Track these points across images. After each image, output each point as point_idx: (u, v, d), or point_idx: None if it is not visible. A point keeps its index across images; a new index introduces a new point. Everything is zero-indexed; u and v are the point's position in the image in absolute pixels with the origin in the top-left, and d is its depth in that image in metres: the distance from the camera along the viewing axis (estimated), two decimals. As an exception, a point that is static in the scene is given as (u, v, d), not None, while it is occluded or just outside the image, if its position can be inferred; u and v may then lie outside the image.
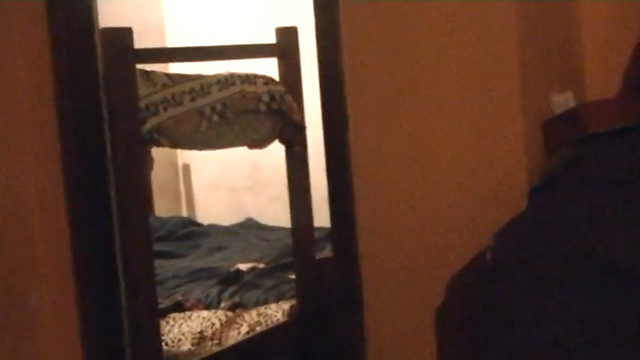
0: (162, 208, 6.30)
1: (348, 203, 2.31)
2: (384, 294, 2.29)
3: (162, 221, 5.91)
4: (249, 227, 5.82)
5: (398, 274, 2.26)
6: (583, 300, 1.67)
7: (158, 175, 6.02)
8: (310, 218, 3.71)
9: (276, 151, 3.86)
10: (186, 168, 6.63)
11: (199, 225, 6.01)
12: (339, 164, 2.37)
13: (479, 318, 1.83)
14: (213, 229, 5.81)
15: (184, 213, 6.51)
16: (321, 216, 3.85)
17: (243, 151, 5.69)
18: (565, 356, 1.66)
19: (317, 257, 3.80)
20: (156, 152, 4.52)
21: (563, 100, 2.10)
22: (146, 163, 3.78)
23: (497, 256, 1.77)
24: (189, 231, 5.76)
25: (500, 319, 1.75)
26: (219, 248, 5.35)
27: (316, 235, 3.92)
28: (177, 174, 6.62)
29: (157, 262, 3.76)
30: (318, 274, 3.70)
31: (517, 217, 1.86)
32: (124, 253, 2.78)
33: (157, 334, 2.95)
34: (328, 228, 4.77)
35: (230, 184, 6.26)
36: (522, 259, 1.75)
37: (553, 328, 1.69)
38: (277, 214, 5.71)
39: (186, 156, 6.58)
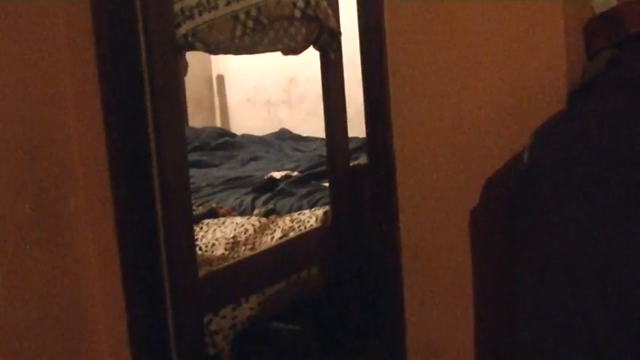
0: (196, 119, 6.32)
1: (384, 109, 2.28)
2: (418, 198, 2.27)
3: (197, 132, 5.94)
4: (283, 138, 5.82)
5: (433, 178, 2.24)
6: (618, 203, 1.66)
7: (192, 87, 6.02)
8: (344, 125, 3.72)
9: (313, 66, 3.84)
10: (221, 79, 6.61)
11: (233, 136, 6.02)
12: (375, 69, 2.34)
13: (514, 220, 1.82)
14: (247, 140, 5.83)
15: (218, 124, 6.52)
16: (354, 127, 3.86)
17: (279, 64, 5.71)
18: (601, 259, 1.66)
19: (351, 165, 3.82)
20: (190, 63, 4.51)
21: (604, 0, 2.04)
22: (181, 68, 3.77)
23: (534, 156, 1.75)
24: (223, 141, 5.78)
25: (535, 220, 1.74)
26: (253, 158, 5.37)
27: (350, 145, 3.93)
28: (211, 86, 6.61)
29: (191, 171, 3.78)
30: (352, 181, 3.72)
31: (555, 117, 1.83)
32: (159, 159, 2.79)
33: (191, 238, 2.97)
34: (361, 138, 4.83)
35: (265, 98, 6.25)
36: (559, 160, 1.73)
37: (588, 232, 1.68)
38: (312, 127, 5.71)
39: (220, 67, 6.56)
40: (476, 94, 2.10)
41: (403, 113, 2.25)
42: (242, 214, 4.07)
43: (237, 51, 3.38)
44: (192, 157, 5.11)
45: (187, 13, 3.01)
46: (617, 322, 1.63)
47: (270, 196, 4.18)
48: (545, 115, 1.88)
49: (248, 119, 6.37)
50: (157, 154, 2.78)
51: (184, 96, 5.46)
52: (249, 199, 4.20)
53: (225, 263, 3.37)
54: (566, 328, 1.69)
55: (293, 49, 3.60)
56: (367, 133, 2.40)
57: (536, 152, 1.75)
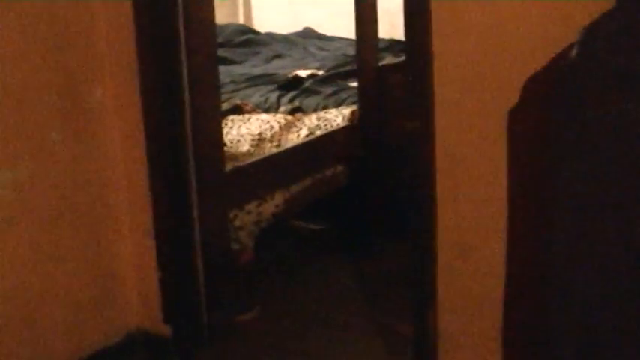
0: (218, 15, 6.20)
1: (424, 5, 2.21)
2: (456, 96, 2.22)
3: (220, 28, 5.82)
4: (308, 37, 5.73)
5: (472, 77, 2.18)
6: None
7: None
8: (375, 24, 3.65)
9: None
10: (244, -25, 6.49)
11: (257, 33, 5.92)
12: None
13: (557, 119, 1.77)
14: (271, 38, 5.73)
15: (241, 20, 6.42)
16: (381, 27, 3.78)
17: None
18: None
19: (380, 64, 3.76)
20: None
21: None
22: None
23: (583, 52, 1.69)
24: (246, 38, 5.69)
25: (580, 115, 1.69)
26: (277, 56, 5.28)
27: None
28: (234, -19, 6.49)
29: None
30: (380, 81, 3.67)
31: (606, 14, 1.76)
32: (188, 49, 2.74)
33: (218, 132, 2.94)
34: (387, 39, 4.75)
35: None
36: (609, 56, 1.67)
37: (633, 128, 1.64)
38: (336, 26, 5.61)
39: (244, -38, 6.44)
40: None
41: (443, 8, 2.18)
42: (267, 111, 4.02)
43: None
44: (215, 53, 5.03)
45: None
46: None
47: (295, 94, 4.12)
48: (592, 13, 1.81)
49: (271, 17, 6.26)
50: (185, 44, 2.73)
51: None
52: (274, 96, 4.14)
53: (251, 159, 3.34)
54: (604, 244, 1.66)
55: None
56: (405, 29, 2.33)
57: (585, 47, 1.69)
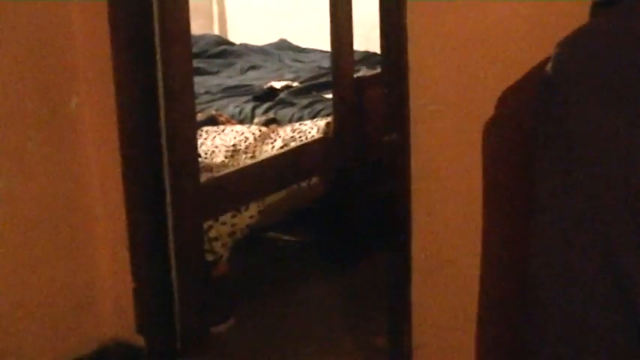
0: (193, 26, 6.18)
1: (400, 17, 2.23)
2: (431, 108, 2.23)
3: (195, 39, 5.80)
4: (283, 48, 5.73)
5: (448, 90, 2.19)
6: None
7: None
8: (350, 35, 3.65)
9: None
10: (220, -15, 6.49)
11: (232, 44, 5.92)
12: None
13: (536, 133, 1.78)
14: (246, 49, 5.73)
15: (216, 31, 6.42)
16: (356, 39, 3.79)
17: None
18: (625, 175, 1.63)
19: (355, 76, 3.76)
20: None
21: None
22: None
23: (558, 66, 1.70)
24: (222, 49, 5.69)
25: (558, 130, 1.71)
26: (252, 67, 5.29)
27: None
28: (209, -8, 6.48)
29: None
30: (356, 93, 3.67)
31: (581, 29, 1.78)
32: (164, 60, 2.73)
33: (193, 143, 2.94)
34: (362, 51, 4.76)
35: (264, 7, 6.13)
36: (584, 71, 1.69)
37: (611, 143, 1.65)
38: (311, 38, 5.62)
39: (219, -27, 6.44)
40: (498, 4, 2.05)
41: (419, 21, 2.20)
42: (242, 122, 4.03)
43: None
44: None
45: None
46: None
47: (270, 105, 4.13)
48: (567, 27, 1.83)
49: (246, 28, 6.27)
50: (161, 54, 2.73)
51: None
52: (249, 107, 4.14)
53: (226, 170, 3.34)
54: (586, 253, 1.67)
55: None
56: (381, 42, 2.35)
57: (561, 63, 1.70)
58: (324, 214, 3.81)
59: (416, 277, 2.36)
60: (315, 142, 3.60)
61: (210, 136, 3.79)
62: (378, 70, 3.72)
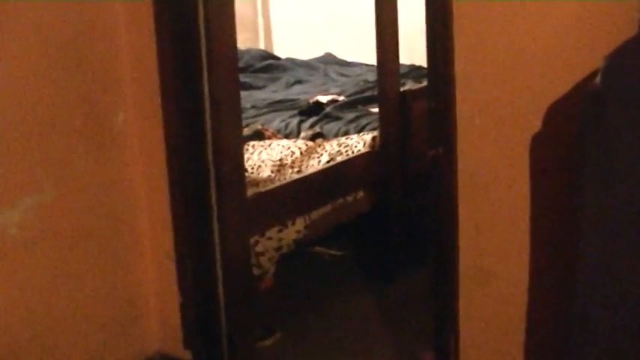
0: (239, 40, 6.21)
1: (447, 29, 2.21)
2: (478, 122, 2.21)
3: (241, 53, 5.85)
4: (329, 62, 5.74)
5: (494, 104, 2.18)
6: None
7: (236, 7, 5.92)
8: (396, 49, 3.64)
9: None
10: (265, 0, 6.52)
11: (277, 58, 5.94)
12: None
13: (582, 145, 1.76)
14: (292, 63, 5.75)
15: (262, 46, 6.45)
16: (401, 51, 3.78)
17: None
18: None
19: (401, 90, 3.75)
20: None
21: None
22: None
23: (607, 79, 1.68)
24: (267, 64, 5.71)
25: (604, 144, 1.68)
26: (298, 81, 5.30)
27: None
28: (255, 7, 6.51)
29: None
30: (402, 108, 3.67)
31: (630, 41, 1.76)
32: (210, 75, 2.74)
33: (240, 158, 2.94)
34: (407, 65, 4.75)
35: (309, 20, 6.15)
36: (632, 85, 1.66)
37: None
38: (356, 52, 5.62)
39: (265, -12, 6.46)
40: (544, 16, 2.03)
41: (466, 34, 2.18)
42: (288, 136, 4.03)
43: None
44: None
45: None
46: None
47: (316, 119, 4.13)
48: (616, 39, 1.81)
49: (291, 42, 6.29)
50: (207, 69, 2.74)
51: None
52: (295, 122, 4.15)
53: (272, 185, 3.34)
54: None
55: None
56: (428, 55, 2.33)
57: (609, 76, 1.68)
58: (370, 227, 3.80)
59: (462, 290, 2.34)
60: (361, 157, 3.60)
61: (257, 151, 3.80)
62: (424, 83, 3.71)
